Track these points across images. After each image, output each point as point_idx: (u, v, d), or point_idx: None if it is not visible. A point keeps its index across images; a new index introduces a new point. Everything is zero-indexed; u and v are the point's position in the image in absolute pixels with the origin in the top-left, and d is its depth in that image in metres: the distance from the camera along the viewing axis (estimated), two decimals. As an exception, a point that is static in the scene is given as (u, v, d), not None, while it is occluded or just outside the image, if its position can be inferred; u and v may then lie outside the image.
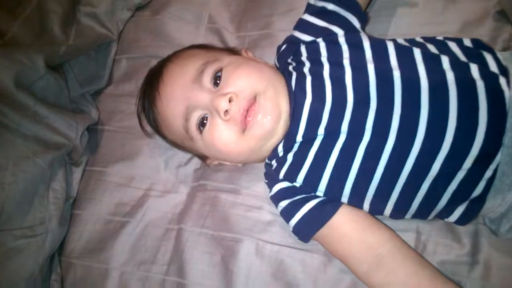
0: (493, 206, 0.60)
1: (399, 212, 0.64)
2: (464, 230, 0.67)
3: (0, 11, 0.82)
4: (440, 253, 0.66)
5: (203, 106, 0.67)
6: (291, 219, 0.66)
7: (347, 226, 0.63)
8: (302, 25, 0.73)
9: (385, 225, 0.66)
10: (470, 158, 0.56)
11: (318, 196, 0.65)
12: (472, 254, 0.65)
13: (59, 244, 0.82)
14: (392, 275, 0.61)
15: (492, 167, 0.57)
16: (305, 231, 0.66)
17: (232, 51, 0.80)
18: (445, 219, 0.64)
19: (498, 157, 0.57)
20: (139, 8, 0.98)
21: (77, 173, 0.87)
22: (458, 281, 0.64)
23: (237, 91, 0.65)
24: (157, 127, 0.77)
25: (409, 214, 0.64)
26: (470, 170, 0.57)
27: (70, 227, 0.84)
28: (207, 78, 0.68)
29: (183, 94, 0.68)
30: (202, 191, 0.80)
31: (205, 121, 0.68)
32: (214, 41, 0.90)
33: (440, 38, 0.66)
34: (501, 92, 0.57)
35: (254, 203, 0.75)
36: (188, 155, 0.84)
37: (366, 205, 0.64)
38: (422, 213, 0.63)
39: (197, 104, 0.67)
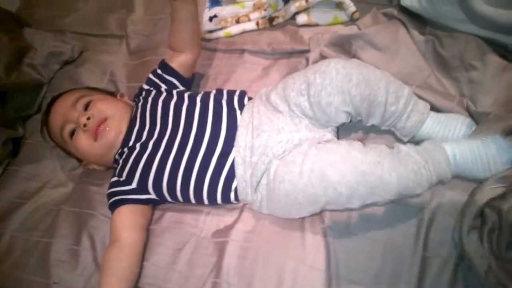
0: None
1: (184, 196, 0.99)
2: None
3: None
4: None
5: (73, 121, 1.05)
6: (109, 200, 1.03)
7: (129, 214, 1.00)
8: (147, 80, 1.15)
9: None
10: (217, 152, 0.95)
11: (128, 192, 1.01)
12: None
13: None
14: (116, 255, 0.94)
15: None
16: (111, 209, 1.02)
17: (110, 93, 1.20)
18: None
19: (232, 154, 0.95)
20: (67, 62, 1.40)
21: (-1, 170, 1.24)
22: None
23: (95, 114, 1.04)
24: (48, 133, 1.15)
25: (193, 200, 1.00)
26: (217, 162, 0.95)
27: (-13, 205, 1.19)
28: (79, 105, 1.07)
29: (62, 112, 1.07)
30: (81, 185, 1.16)
31: (74, 132, 1.06)
32: (112, 88, 1.30)
33: (225, 92, 1.07)
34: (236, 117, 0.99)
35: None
36: (78, 163, 1.20)
37: (166, 193, 1.00)
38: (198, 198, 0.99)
39: (69, 119, 1.06)
